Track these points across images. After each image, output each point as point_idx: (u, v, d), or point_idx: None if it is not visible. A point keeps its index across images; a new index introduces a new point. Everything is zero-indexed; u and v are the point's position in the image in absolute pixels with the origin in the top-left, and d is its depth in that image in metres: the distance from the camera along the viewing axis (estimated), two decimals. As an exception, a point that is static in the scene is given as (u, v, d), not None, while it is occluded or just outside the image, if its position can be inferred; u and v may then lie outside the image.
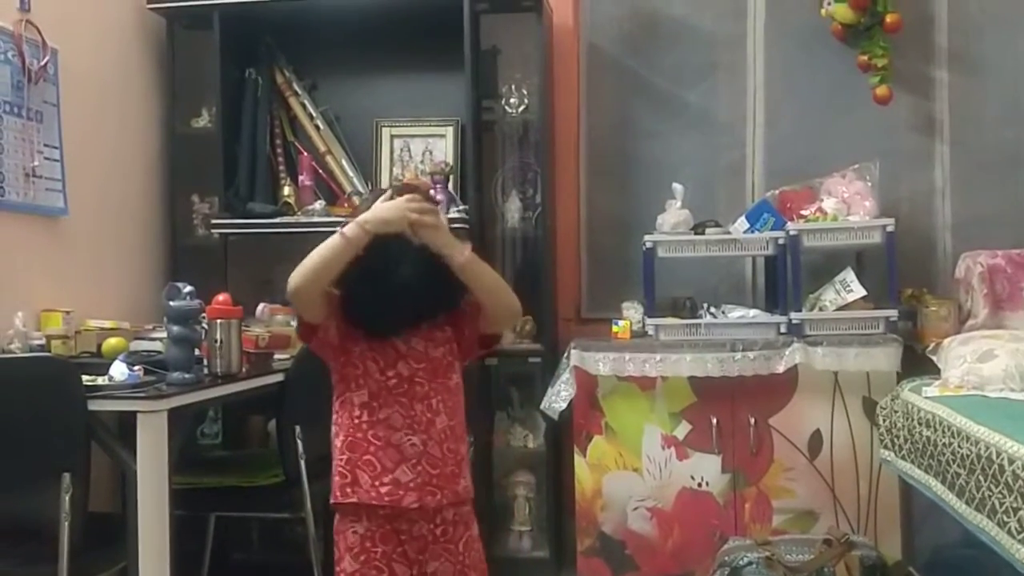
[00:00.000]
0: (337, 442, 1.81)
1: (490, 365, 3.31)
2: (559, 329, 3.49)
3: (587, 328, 3.45)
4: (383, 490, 1.74)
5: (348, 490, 1.77)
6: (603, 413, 3.05)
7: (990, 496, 1.99)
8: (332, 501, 1.81)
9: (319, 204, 3.30)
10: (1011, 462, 1.90)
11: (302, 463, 2.65)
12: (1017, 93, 3.36)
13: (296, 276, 1.70)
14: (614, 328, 3.18)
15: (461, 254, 1.76)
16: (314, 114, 3.51)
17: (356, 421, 1.78)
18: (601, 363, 3.02)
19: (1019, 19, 3.36)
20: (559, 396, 3.08)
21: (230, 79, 3.44)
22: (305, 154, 3.46)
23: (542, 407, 3.12)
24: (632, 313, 3.25)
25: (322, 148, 3.49)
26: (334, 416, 1.84)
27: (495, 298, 1.83)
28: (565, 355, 3.10)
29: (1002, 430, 2.03)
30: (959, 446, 2.17)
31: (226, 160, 3.41)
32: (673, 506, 3.00)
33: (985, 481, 2.02)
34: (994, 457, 1.98)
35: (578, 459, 3.07)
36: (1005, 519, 1.90)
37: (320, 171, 3.47)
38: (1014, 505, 1.86)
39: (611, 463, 3.04)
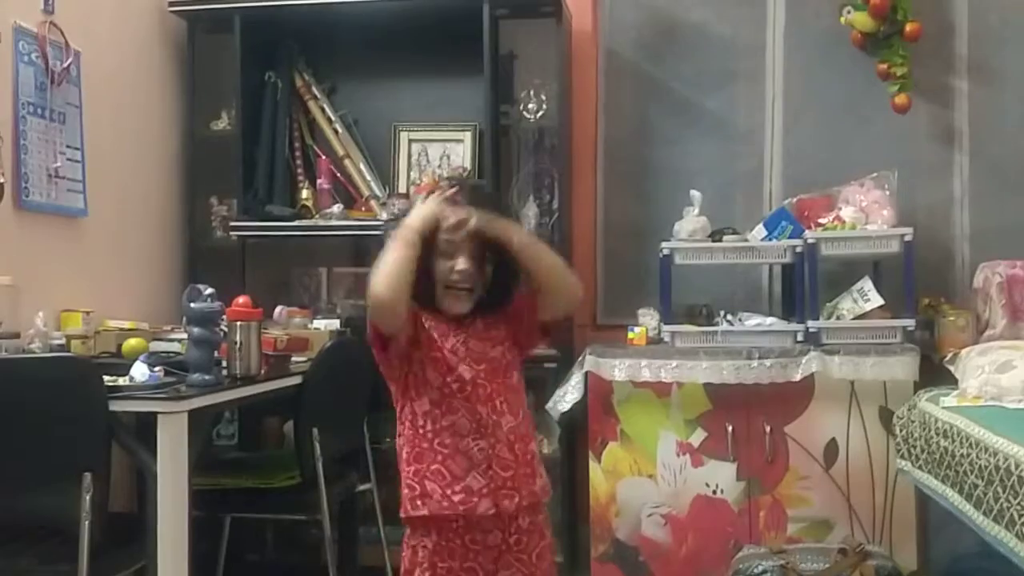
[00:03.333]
0: (403, 454, 1.77)
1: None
2: (575, 335, 3.49)
3: (603, 334, 3.45)
4: (456, 499, 1.69)
5: (418, 503, 1.72)
6: (618, 419, 3.05)
7: (1008, 507, 1.98)
8: (402, 515, 1.76)
9: (337, 207, 3.32)
10: (1031, 474, 1.89)
11: (319, 465, 2.65)
12: (1037, 104, 3.35)
13: (380, 285, 1.66)
14: (630, 334, 3.18)
15: (518, 235, 1.75)
16: (333, 117, 3.52)
17: (420, 431, 1.74)
18: (617, 369, 3.02)
19: (1040, 29, 3.36)
20: (564, 398, 3.09)
21: (250, 82, 3.46)
22: (323, 157, 3.47)
23: (547, 407, 3.12)
24: (648, 320, 3.24)
25: (340, 152, 3.50)
26: (398, 428, 1.80)
27: (554, 279, 1.78)
28: (579, 359, 3.10)
29: (1021, 441, 2.02)
30: (977, 457, 2.16)
31: (245, 163, 3.43)
32: (688, 513, 3.00)
33: (1004, 492, 2.01)
34: (1013, 468, 1.97)
35: (593, 465, 3.07)
36: (1023, 530, 1.89)
37: (338, 174, 3.49)
38: (1033, 517, 1.85)
39: (626, 469, 3.04)
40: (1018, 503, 1.93)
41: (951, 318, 3.06)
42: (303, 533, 3.38)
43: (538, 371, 3.33)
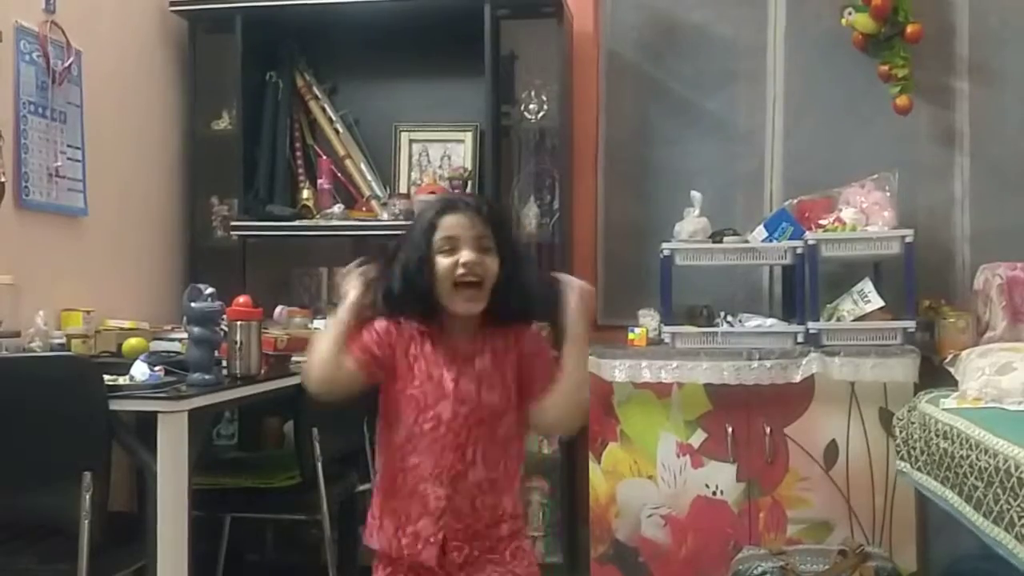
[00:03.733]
0: (376, 478, 1.74)
1: (506, 370, 3.30)
2: (575, 335, 3.49)
3: (603, 335, 3.44)
4: (404, 541, 1.63)
5: (372, 535, 1.68)
6: (618, 420, 3.05)
7: (1008, 509, 1.98)
8: (364, 540, 1.72)
9: (337, 208, 3.32)
10: (1031, 476, 1.89)
11: (319, 465, 2.66)
12: (1037, 105, 3.35)
13: (311, 373, 1.63)
14: (630, 335, 3.19)
15: (582, 328, 1.69)
16: (334, 118, 3.52)
17: (389, 463, 1.67)
18: (617, 370, 3.03)
19: (1040, 31, 3.36)
20: (568, 401, 3.08)
21: (251, 82, 3.47)
22: (324, 157, 3.48)
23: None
24: (648, 320, 3.25)
25: (341, 152, 3.50)
26: (377, 450, 1.74)
27: (571, 396, 1.67)
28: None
29: (1021, 443, 2.02)
30: (977, 458, 2.16)
31: (246, 162, 3.43)
32: (687, 514, 3.00)
33: (1004, 494, 2.01)
34: (1012, 470, 1.97)
35: (593, 466, 3.07)
36: (1023, 532, 1.89)
37: (339, 174, 3.49)
38: (1033, 519, 1.85)
39: (626, 470, 3.04)
40: (1018, 505, 1.93)
41: (951, 320, 3.07)
42: (303, 533, 3.38)
43: (539, 371, 3.34)
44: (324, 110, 3.53)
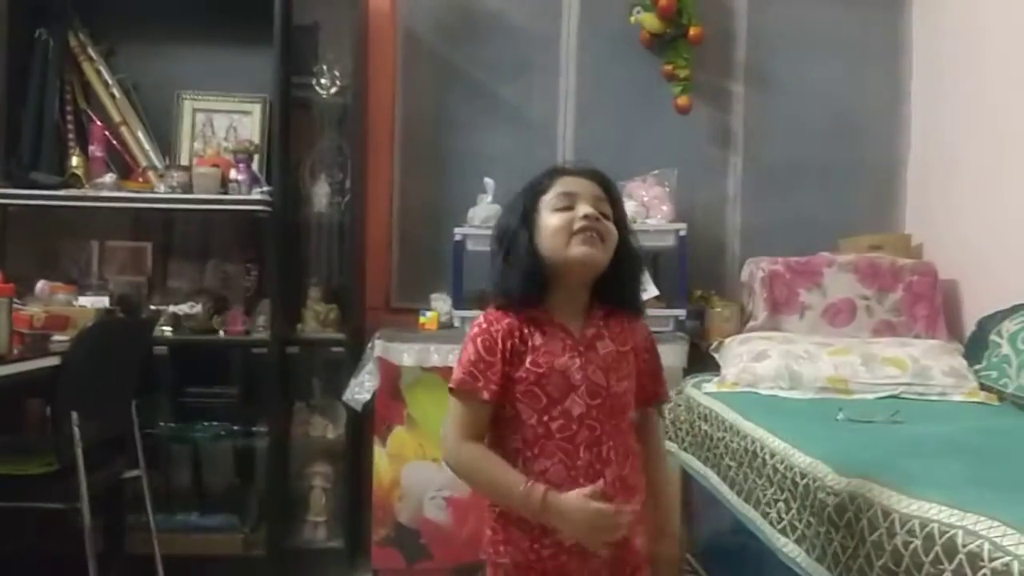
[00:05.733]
0: None
1: (291, 354, 3.22)
2: (367, 318, 3.45)
3: (397, 318, 3.43)
4: (545, 553, 1.47)
5: (501, 548, 1.50)
6: (405, 403, 3.04)
7: (755, 488, 2.13)
8: (482, 556, 1.54)
9: (110, 177, 3.09)
10: (772, 456, 2.04)
11: (78, 451, 2.49)
12: (804, 110, 3.60)
13: (463, 476, 1.50)
14: (421, 319, 3.19)
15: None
16: (110, 81, 3.28)
17: None
18: (405, 353, 3.02)
19: (810, 42, 3.61)
20: (363, 387, 3.06)
21: (17, 39, 3.18)
22: (98, 123, 3.24)
23: (344, 398, 3.08)
24: (440, 304, 3.25)
25: (117, 118, 3.27)
26: None
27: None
28: (369, 345, 3.07)
29: (767, 426, 2.18)
30: (731, 440, 2.31)
31: (9, 125, 3.15)
32: (470, 495, 3.02)
33: (752, 473, 2.16)
34: (759, 451, 2.12)
35: (377, 449, 3.04)
36: (767, 509, 2.04)
37: (114, 142, 3.26)
38: (775, 496, 2.00)
39: (411, 453, 3.04)
40: (763, 483, 2.08)
41: (719, 309, 3.26)
42: (67, 522, 3.15)
43: (328, 356, 3.28)
44: (99, 73, 3.28)
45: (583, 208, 1.50)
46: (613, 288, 1.55)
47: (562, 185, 1.53)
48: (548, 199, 1.52)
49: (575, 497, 1.41)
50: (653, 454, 1.64)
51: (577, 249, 1.48)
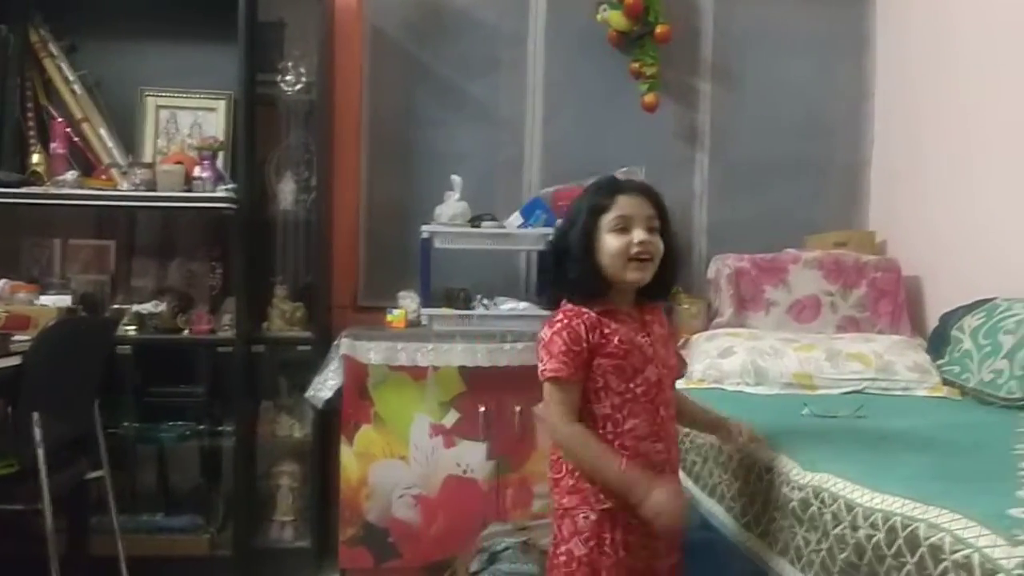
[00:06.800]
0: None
1: (257, 352, 3.19)
2: (334, 316, 3.43)
3: (364, 316, 3.42)
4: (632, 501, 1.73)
5: (601, 496, 1.76)
6: (373, 402, 3.02)
7: (719, 483, 2.14)
8: (571, 505, 1.80)
9: (71, 174, 3.04)
10: (737, 451, 2.05)
11: (40, 452, 2.45)
12: (770, 108, 3.64)
13: (571, 457, 1.80)
14: (388, 317, 3.17)
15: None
16: (71, 78, 3.23)
17: (600, 432, 1.77)
18: (372, 352, 3.00)
19: (776, 40, 3.65)
20: (325, 385, 3.04)
21: (-25, 33, 3.13)
22: (59, 120, 3.19)
23: (307, 395, 3.06)
24: (408, 302, 3.24)
25: (79, 115, 3.22)
26: None
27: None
28: (335, 343, 3.06)
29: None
30: (695, 436, 2.32)
31: (-33, 121, 3.10)
32: (439, 493, 3.03)
33: (716, 469, 2.17)
34: (723, 447, 2.13)
35: (344, 448, 3.03)
36: (732, 504, 2.06)
37: (75, 139, 3.21)
38: (739, 491, 2.02)
39: (378, 452, 3.02)
40: (727, 479, 2.10)
41: (686, 306, 3.27)
42: (29, 524, 3.11)
43: (294, 354, 3.26)
44: (60, 69, 3.23)
45: (638, 234, 1.77)
46: (657, 286, 1.85)
47: (619, 208, 1.78)
48: (608, 220, 1.78)
49: (660, 482, 1.73)
50: (694, 401, 2.06)
51: (632, 275, 1.79)
